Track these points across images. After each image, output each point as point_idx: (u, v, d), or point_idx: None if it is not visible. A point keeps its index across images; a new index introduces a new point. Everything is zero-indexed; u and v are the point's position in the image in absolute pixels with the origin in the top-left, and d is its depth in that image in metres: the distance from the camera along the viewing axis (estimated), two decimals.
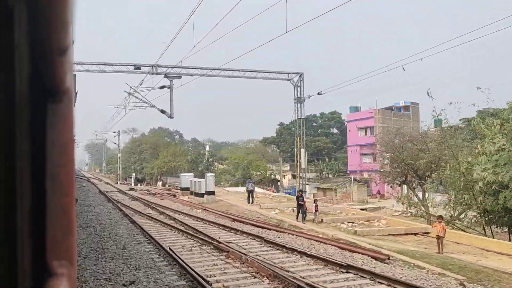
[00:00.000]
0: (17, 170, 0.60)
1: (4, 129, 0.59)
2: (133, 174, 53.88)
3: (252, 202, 26.16)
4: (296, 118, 33.04)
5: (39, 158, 0.62)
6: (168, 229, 17.03)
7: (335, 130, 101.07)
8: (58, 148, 0.63)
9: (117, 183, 56.43)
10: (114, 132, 64.31)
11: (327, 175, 73.74)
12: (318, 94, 29.28)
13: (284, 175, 74.22)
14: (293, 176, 73.90)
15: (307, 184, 57.77)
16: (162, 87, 27.89)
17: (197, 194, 29.78)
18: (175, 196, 33.31)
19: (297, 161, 35.34)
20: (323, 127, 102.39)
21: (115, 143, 65.63)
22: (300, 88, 31.81)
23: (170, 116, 27.93)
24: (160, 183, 54.06)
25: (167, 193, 34.50)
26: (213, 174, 29.39)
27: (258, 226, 17.43)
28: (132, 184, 50.80)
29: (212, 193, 27.62)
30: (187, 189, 32.73)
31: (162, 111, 27.89)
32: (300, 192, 19.57)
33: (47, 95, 0.63)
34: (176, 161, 54.78)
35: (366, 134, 55.69)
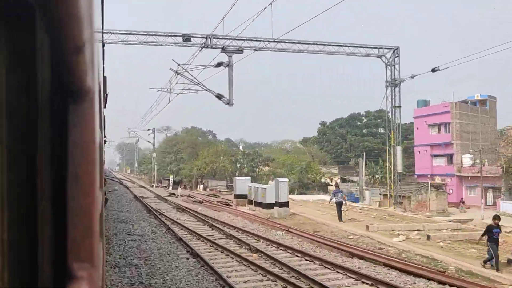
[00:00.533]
0: (38, 171, 0.60)
1: (25, 130, 0.58)
2: (171, 177, 47.43)
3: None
4: (391, 106, 25.64)
5: (60, 159, 0.62)
6: (260, 274, 10.19)
7: (381, 130, 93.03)
8: (80, 148, 0.63)
9: (152, 186, 50.45)
10: (149, 129, 58.51)
11: (379, 179, 65.70)
12: (433, 70, 21.90)
13: (331, 178, 66.76)
14: (343, 180, 66.24)
15: (367, 190, 50.01)
16: (218, 65, 21.23)
17: (260, 205, 22.92)
18: (229, 205, 26.54)
19: (389, 162, 27.93)
20: (369, 126, 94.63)
21: (149, 142, 59.72)
22: (394, 67, 24.51)
23: (229, 103, 21.23)
24: (201, 186, 47.62)
25: (217, 202, 27.77)
26: (286, 180, 22.44)
27: (407, 272, 10.36)
28: (170, 188, 44.56)
29: (285, 204, 20.69)
30: (243, 196, 25.97)
31: (219, 96, 21.22)
32: (496, 221, 11.85)
33: (67, 96, 0.62)
34: (219, 162, 48.31)
35: (439, 132, 47.49)
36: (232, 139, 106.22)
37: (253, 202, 24.05)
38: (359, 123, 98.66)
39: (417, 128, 50.36)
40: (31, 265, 0.58)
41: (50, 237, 0.61)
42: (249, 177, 27.81)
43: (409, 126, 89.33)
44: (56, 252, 0.61)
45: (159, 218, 19.81)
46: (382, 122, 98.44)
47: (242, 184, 26.32)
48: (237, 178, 27.36)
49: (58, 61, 0.60)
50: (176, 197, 34.11)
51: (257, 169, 48.19)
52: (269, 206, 21.92)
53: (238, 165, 48.18)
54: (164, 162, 63.47)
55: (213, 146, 53.61)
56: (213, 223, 18.03)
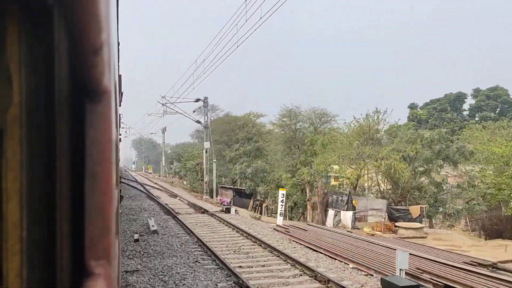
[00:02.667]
0: (57, 169, 0.61)
1: (43, 129, 0.59)
2: (282, 193, 18.59)
3: None
4: None
5: (78, 158, 0.63)
6: None
7: (492, 114, 66.26)
8: (97, 147, 0.63)
9: (223, 210, 23.14)
10: (198, 99, 32.46)
11: None
12: None
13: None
14: None
15: None
16: None
17: None
18: None
19: None
20: (484, 109, 67.64)
21: (198, 122, 33.57)
22: None
23: None
24: (333, 213, 21.28)
25: None
26: None
27: None
28: (280, 220, 17.82)
29: None
30: None
31: None
32: None
33: (84, 95, 0.63)
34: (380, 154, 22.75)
35: None
36: None
37: None
38: (458, 104, 72.88)
39: None
40: (49, 262, 0.59)
41: (68, 234, 0.61)
42: None
43: None
44: (73, 250, 0.61)
45: None
46: (500, 103, 70.89)
47: None
48: None
49: (75, 61, 0.60)
50: None
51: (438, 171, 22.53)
52: None
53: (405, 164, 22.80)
54: (221, 158, 37.48)
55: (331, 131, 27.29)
56: None
